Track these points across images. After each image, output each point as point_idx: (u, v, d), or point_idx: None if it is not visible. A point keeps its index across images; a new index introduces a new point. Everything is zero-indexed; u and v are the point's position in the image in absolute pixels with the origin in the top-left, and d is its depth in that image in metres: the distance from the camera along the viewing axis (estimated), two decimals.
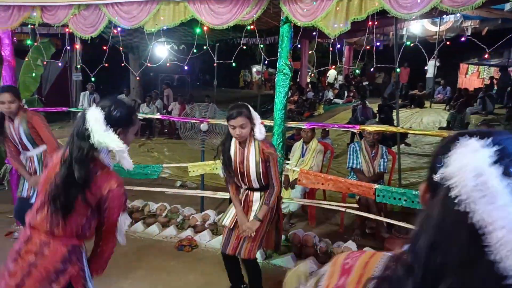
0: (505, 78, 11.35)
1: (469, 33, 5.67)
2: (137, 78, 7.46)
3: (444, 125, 8.87)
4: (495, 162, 0.57)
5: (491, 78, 12.76)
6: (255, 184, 2.62)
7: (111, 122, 1.56)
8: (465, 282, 0.55)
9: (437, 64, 10.76)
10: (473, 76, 14.14)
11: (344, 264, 0.75)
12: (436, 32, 9.16)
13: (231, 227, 2.67)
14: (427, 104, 11.49)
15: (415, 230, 0.63)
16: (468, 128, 7.57)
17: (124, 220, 1.61)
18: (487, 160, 0.57)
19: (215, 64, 6.50)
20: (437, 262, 0.57)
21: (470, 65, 13.83)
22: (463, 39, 3.65)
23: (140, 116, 3.92)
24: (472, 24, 8.20)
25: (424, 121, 9.87)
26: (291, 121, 3.86)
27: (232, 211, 2.72)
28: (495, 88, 11.48)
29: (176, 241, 3.81)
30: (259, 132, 2.54)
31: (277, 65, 3.36)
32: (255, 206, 2.62)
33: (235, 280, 2.84)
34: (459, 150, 0.59)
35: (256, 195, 2.64)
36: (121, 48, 4.52)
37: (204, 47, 4.42)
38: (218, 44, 7.93)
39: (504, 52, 12.61)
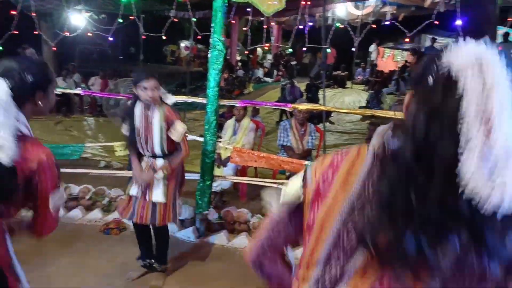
0: (414, 63, 12.44)
1: (388, 18, 6.09)
2: (54, 48, 6.73)
3: (364, 104, 9.52)
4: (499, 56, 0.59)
5: (406, 61, 13.90)
6: (159, 151, 2.60)
7: (26, 91, 1.28)
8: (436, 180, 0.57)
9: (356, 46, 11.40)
10: (389, 59, 15.26)
11: (333, 160, 0.78)
12: (358, 16, 9.65)
13: (138, 196, 2.63)
14: (348, 84, 12.21)
15: (411, 114, 0.63)
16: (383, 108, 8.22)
17: (59, 196, 1.41)
18: (491, 51, 0.59)
19: (143, 37, 6.12)
20: (432, 138, 0.58)
21: (386, 49, 14.89)
22: (387, 23, 3.89)
23: (57, 91, 3.57)
24: (390, 9, 8.79)
25: (346, 101, 10.48)
26: (222, 99, 3.81)
27: (135, 185, 2.66)
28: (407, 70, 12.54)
29: (102, 224, 3.62)
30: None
31: (211, 41, 3.27)
32: (160, 173, 2.59)
33: (145, 252, 2.82)
34: (460, 48, 0.61)
35: (160, 162, 2.62)
36: (33, 14, 4.01)
37: (131, 17, 4.12)
38: (143, 16, 7.46)
39: (415, 38, 13.77)
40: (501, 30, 10.75)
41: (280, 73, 13.07)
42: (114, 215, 3.73)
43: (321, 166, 0.79)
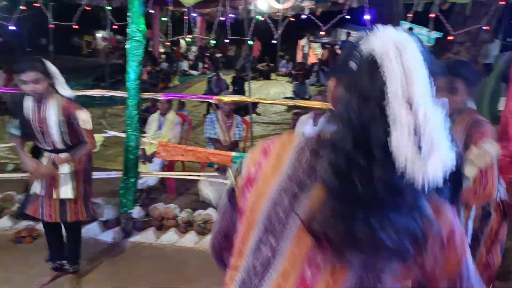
0: (332, 55, 13.15)
1: (307, 12, 6.33)
2: None
3: (288, 95, 9.85)
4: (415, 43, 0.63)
5: (323, 54, 14.63)
6: (60, 145, 2.46)
7: None
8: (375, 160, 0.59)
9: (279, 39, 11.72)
10: (309, 52, 15.93)
11: (264, 146, 0.79)
12: (279, 9, 9.90)
13: (43, 194, 2.48)
14: (273, 76, 12.51)
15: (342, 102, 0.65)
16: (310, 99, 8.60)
17: None
18: (407, 35, 0.63)
19: (51, 27, 5.60)
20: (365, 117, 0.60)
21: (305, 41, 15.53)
22: (304, 16, 4.05)
23: None
24: (309, 4, 9.16)
25: (272, 92, 10.74)
26: (145, 93, 3.66)
27: (37, 182, 2.50)
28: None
29: (12, 233, 3.28)
30: (63, 88, 2.42)
31: (128, 31, 3.10)
32: (64, 167, 2.46)
33: (56, 254, 2.67)
34: (379, 34, 0.63)
35: (63, 156, 2.48)
36: None
37: (35, 4, 3.74)
38: (53, 3, 6.81)
39: (331, 32, 14.56)
40: (406, 25, 11.87)
41: (206, 65, 12.92)
42: (26, 222, 3.39)
43: (253, 153, 0.80)
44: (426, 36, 8.93)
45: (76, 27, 4.19)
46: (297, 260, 0.68)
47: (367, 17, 3.34)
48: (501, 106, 2.56)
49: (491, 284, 1.84)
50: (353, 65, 0.64)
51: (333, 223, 0.61)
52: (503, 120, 2.52)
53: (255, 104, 8.15)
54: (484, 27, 3.55)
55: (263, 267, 0.71)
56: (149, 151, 4.09)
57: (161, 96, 3.40)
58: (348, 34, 12.64)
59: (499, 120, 2.63)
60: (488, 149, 1.51)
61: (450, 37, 3.77)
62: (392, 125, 0.58)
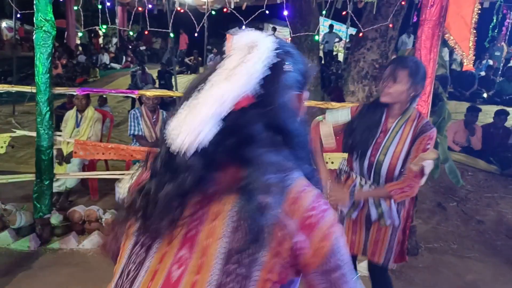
0: None
1: (232, 6, 6.33)
2: None
3: None
4: (276, 48, 0.66)
5: None
6: None
7: None
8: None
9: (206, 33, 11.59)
10: None
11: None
12: (205, 2, 9.78)
13: None
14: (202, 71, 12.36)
15: None
16: None
17: None
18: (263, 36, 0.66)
19: None
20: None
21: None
22: (225, 10, 4.05)
23: None
24: None
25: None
26: (59, 87, 3.39)
27: None
28: None
29: None
30: None
31: (35, 21, 2.84)
32: None
33: None
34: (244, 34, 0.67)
35: None
36: None
37: None
38: None
39: (259, 26, 14.82)
40: (327, 22, 12.49)
41: (129, 58, 12.32)
42: None
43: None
44: (345, 32, 9.47)
45: None
46: (167, 259, 0.66)
47: (285, 12, 3.45)
48: None
49: (404, 259, 2.03)
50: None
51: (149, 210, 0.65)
52: None
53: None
54: (390, 25, 3.89)
55: (136, 270, 0.67)
56: (66, 150, 3.80)
57: (76, 91, 3.17)
58: (274, 29, 12.94)
59: None
60: (426, 156, 1.68)
61: (360, 34, 4.06)
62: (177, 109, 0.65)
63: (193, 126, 0.59)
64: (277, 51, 0.66)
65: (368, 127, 1.85)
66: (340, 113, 1.96)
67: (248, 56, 0.62)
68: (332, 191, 1.89)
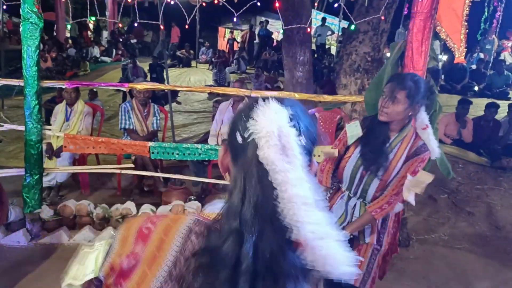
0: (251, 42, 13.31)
1: None
2: None
3: (210, 83, 9.75)
4: (291, 120, 0.62)
5: (241, 41, 14.74)
6: None
7: None
8: (264, 233, 0.58)
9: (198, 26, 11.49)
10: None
11: (141, 228, 0.66)
12: None
13: None
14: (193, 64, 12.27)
15: (230, 190, 0.62)
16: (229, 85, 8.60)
17: None
18: (286, 119, 0.61)
19: None
20: (248, 217, 0.58)
21: (226, 29, 15.46)
22: (216, 1, 4.01)
23: None
24: None
25: (192, 80, 10.54)
26: (47, 80, 3.33)
27: None
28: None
29: None
30: None
31: (21, 12, 2.78)
32: None
33: None
34: (263, 111, 0.62)
35: None
36: None
37: None
38: None
39: (251, 19, 14.71)
40: (320, 15, 12.45)
41: (120, 52, 12.17)
42: None
43: (126, 235, 0.67)
44: (337, 25, 9.45)
45: None
46: None
47: (277, 4, 3.42)
48: None
49: (396, 251, 2.05)
50: (238, 137, 0.63)
51: None
52: None
53: (175, 93, 7.93)
54: (382, 18, 3.87)
55: None
56: (56, 145, 3.75)
57: (65, 84, 3.12)
58: (267, 22, 12.86)
59: None
60: (422, 178, 1.66)
61: (352, 27, 4.04)
62: (281, 197, 0.58)
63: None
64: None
65: (375, 142, 1.78)
66: (355, 129, 1.87)
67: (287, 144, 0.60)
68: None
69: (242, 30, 14.39)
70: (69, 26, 11.67)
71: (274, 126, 0.60)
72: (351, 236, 1.85)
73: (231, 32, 14.43)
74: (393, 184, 1.75)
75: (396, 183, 1.75)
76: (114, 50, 12.36)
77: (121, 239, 0.66)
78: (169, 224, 0.65)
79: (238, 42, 13.69)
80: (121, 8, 3.48)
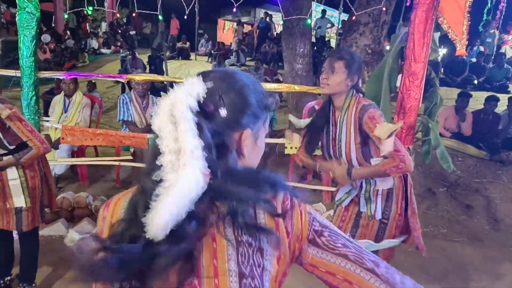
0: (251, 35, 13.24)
1: None
2: None
3: None
4: (211, 94, 0.65)
5: (243, 33, 14.65)
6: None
7: None
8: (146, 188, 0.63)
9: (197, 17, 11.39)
10: (229, 31, 15.81)
11: (103, 217, 0.71)
12: None
13: None
14: (192, 56, 12.19)
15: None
16: None
17: None
18: (193, 92, 0.64)
19: None
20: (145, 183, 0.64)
21: (226, 21, 15.37)
22: None
23: None
24: None
25: (191, 73, 10.47)
26: (44, 71, 3.30)
27: None
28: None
29: None
30: None
31: (17, 2, 2.74)
32: (11, 173, 2.20)
33: (4, 270, 2.38)
34: (179, 86, 0.66)
35: (5, 158, 2.21)
36: None
37: None
38: None
39: (251, 11, 14.60)
40: (319, 7, 12.35)
41: (119, 43, 12.08)
42: None
43: (102, 206, 0.74)
44: (337, 18, 9.36)
45: None
46: None
47: None
48: (398, 83, 2.79)
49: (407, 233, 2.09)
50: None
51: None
52: (400, 96, 2.77)
53: (173, 85, 7.88)
54: (383, 8, 3.84)
55: None
56: (54, 136, 3.73)
57: (62, 75, 3.09)
58: (266, 14, 12.77)
59: (397, 95, 2.88)
60: (377, 133, 1.69)
61: (353, 18, 4.00)
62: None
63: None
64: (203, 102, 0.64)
65: (319, 123, 1.94)
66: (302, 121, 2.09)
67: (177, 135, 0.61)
68: (332, 167, 1.90)
69: (243, 23, 14.26)
70: (65, 16, 11.55)
71: (171, 98, 0.64)
72: (360, 212, 1.94)
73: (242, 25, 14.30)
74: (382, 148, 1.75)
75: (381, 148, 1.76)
76: (113, 42, 12.27)
77: (99, 232, 0.72)
78: (116, 202, 0.72)
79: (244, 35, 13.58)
80: (129, 1, 3.43)
